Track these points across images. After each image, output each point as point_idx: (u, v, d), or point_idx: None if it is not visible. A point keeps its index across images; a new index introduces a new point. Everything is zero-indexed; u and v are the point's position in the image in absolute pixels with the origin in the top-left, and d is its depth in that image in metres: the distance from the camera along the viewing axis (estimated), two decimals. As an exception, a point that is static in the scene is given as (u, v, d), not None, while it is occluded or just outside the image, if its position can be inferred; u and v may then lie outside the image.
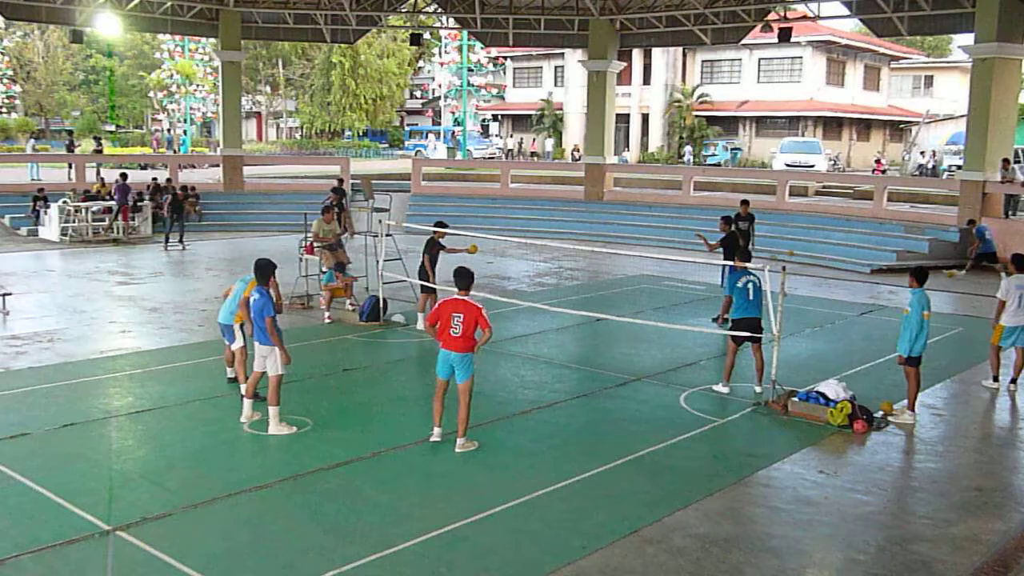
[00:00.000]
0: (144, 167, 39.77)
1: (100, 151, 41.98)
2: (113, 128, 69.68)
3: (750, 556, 7.10)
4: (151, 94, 66.69)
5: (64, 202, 25.99)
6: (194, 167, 42.51)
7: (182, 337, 14.17)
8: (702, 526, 7.57)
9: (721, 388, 11.56)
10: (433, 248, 14.63)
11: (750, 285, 11.35)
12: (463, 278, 9.49)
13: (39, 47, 70.53)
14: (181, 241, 24.57)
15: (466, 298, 9.27)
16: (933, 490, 8.64)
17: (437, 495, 8.11)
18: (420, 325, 14.66)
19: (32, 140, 46.75)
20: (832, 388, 10.54)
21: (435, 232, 14.79)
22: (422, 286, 14.61)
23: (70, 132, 50.27)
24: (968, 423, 11.06)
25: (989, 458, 9.68)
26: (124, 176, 26.68)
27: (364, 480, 8.49)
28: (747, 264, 11.68)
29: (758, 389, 11.42)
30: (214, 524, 7.50)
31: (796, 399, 10.61)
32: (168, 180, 30.37)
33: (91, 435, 9.56)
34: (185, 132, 62.70)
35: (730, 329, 11.68)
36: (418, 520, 7.51)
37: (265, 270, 9.68)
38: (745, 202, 18.97)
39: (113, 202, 26.38)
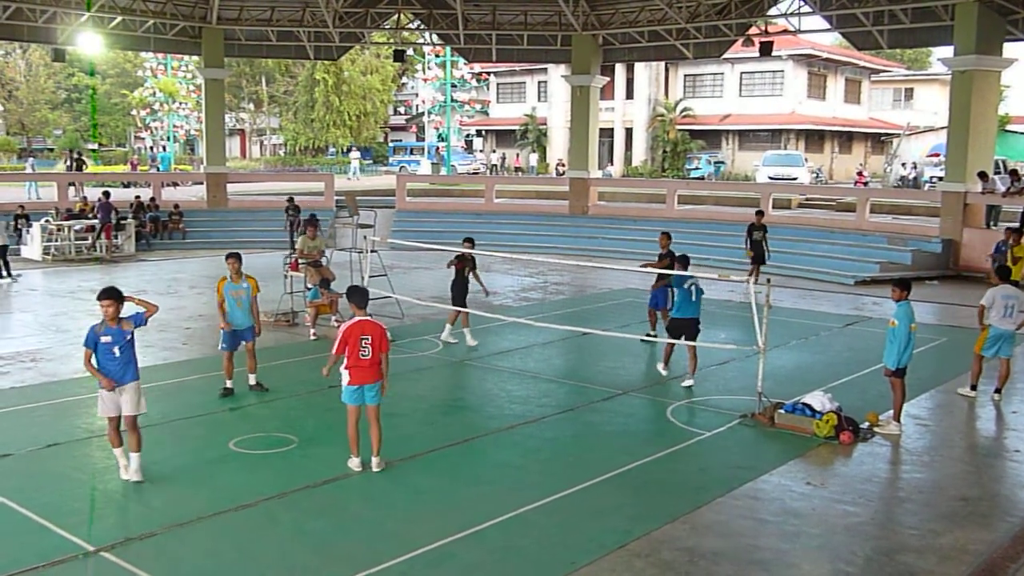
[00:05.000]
0: (127, 185, 39.73)
1: (82, 168, 41.90)
2: (96, 146, 69.39)
3: (738, 569, 7.09)
4: (134, 112, 66.58)
5: (47, 221, 25.85)
6: (177, 185, 42.43)
7: (166, 356, 14.09)
8: (690, 539, 7.56)
9: (662, 370, 12.84)
10: (460, 263, 14.75)
11: (693, 288, 12.36)
12: (359, 295, 9.13)
13: (21, 66, 70.41)
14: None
15: (368, 318, 9.00)
16: (920, 500, 8.66)
17: (424, 511, 8.07)
18: (445, 335, 14.96)
19: (31, 159, 46.68)
20: (818, 400, 10.56)
21: (463, 250, 14.89)
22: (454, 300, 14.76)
23: (71, 150, 50.03)
24: (953, 433, 11.10)
25: (975, 468, 9.71)
26: (107, 194, 26.57)
27: (350, 497, 8.45)
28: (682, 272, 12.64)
29: (687, 383, 12.28)
30: (199, 543, 7.43)
31: (782, 411, 10.63)
32: (152, 198, 30.32)
33: (74, 455, 9.48)
34: (165, 148, 62.52)
35: (669, 325, 12.77)
36: (405, 537, 7.47)
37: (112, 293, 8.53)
38: (760, 212, 19.32)
39: (96, 220, 26.25)
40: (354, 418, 8.87)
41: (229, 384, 11.62)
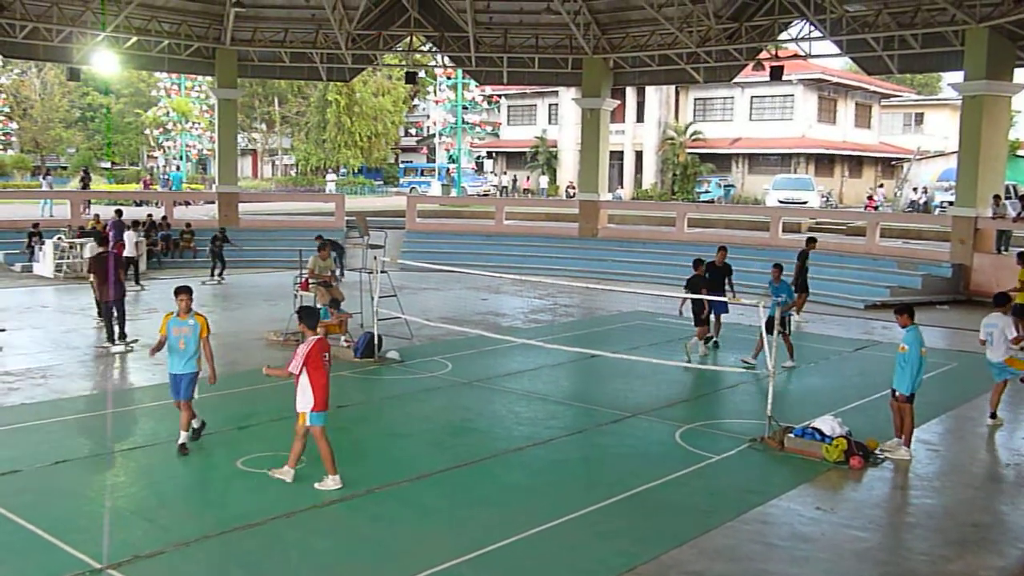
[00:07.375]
0: (139, 204, 39.96)
1: (87, 186, 42.07)
2: (109, 165, 69.83)
3: (747, 593, 7.04)
4: (147, 131, 67.08)
5: (59, 238, 26.00)
6: (189, 204, 42.65)
7: (176, 373, 14.09)
8: (698, 563, 7.52)
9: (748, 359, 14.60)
10: (698, 282, 15.62)
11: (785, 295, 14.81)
12: (311, 316, 9.26)
13: (36, 84, 71.03)
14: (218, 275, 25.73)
15: (321, 336, 9.15)
16: (930, 526, 8.61)
17: (431, 532, 8.05)
18: (692, 351, 15.52)
19: (49, 177, 46.86)
20: (828, 424, 10.51)
21: (696, 271, 15.99)
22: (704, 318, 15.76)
23: (86, 169, 50.30)
24: (964, 458, 11.03)
25: (986, 494, 9.64)
26: (119, 213, 26.69)
27: (357, 517, 8.43)
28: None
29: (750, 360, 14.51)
30: (206, 562, 7.43)
31: (792, 435, 10.58)
32: (164, 217, 30.48)
33: (83, 472, 9.49)
34: (177, 168, 62.91)
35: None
36: (412, 557, 7.44)
37: None
38: (812, 240, 21.25)
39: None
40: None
41: (183, 438, 10.06)
